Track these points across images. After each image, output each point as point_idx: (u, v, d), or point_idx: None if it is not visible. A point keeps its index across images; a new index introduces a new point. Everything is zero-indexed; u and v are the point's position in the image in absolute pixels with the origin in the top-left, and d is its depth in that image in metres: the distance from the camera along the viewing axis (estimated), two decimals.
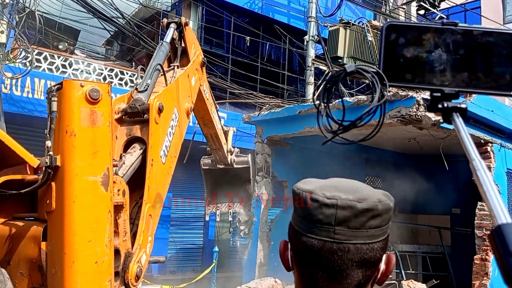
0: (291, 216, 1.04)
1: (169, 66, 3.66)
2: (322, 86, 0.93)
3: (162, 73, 3.17)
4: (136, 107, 2.78)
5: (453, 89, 0.77)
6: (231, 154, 5.37)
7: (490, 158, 6.90)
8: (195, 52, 3.94)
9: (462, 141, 0.70)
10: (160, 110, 2.78)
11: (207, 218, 6.17)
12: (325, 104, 0.93)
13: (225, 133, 5.23)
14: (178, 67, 3.65)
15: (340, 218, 0.92)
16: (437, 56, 0.77)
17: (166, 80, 3.18)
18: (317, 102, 1.03)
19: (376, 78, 0.83)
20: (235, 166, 5.46)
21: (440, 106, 0.76)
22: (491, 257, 6.52)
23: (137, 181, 2.63)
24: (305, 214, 0.96)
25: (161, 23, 3.90)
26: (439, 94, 0.77)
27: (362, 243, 0.93)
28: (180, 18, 3.80)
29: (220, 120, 4.99)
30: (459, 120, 0.74)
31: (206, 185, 5.87)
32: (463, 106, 0.76)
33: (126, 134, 2.78)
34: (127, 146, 2.78)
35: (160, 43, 3.51)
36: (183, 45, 3.81)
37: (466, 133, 0.71)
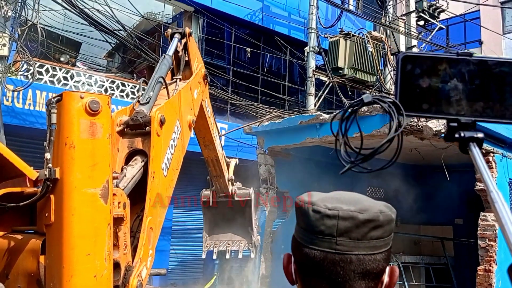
0: (294, 228, 1.04)
1: (172, 79, 3.67)
2: (340, 115, 0.93)
3: (165, 85, 3.17)
4: (138, 119, 2.78)
5: (469, 119, 0.78)
6: (232, 185, 5.21)
7: (492, 168, 6.87)
8: (198, 65, 3.96)
9: (480, 172, 0.70)
10: (161, 122, 2.77)
11: (203, 256, 5.75)
12: (344, 134, 0.94)
13: (227, 164, 5.12)
14: (180, 80, 3.66)
15: (341, 228, 0.93)
16: (452, 86, 0.79)
17: (168, 93, 3.18)
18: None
19: (393, 108, 0.84)
20: (235, 198, 5.27)
21: (457, 135, 0.77)
22: (494, 268, 6.46)
23: (138, 194, 2.62)
24: (307, 226, 0.97)
25: (165, 34, 3.92)
26: (455, 124, 0.78)
27: (364, 254, 0.93)
28: (184, 28, 3.82)
29: (221, 146, 4.91)
30: (476, 150, 0.75)
31: (204, 220, 5.59)
32: (479, 136, 0.77)
33: (128, 146, 2.77)
34: (128, 159, 2.76)
35: (163, 56, 3.52)
36: (186, 57, 3.83)
37: (483, 163, 0.71)
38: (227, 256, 5.60)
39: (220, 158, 4.84)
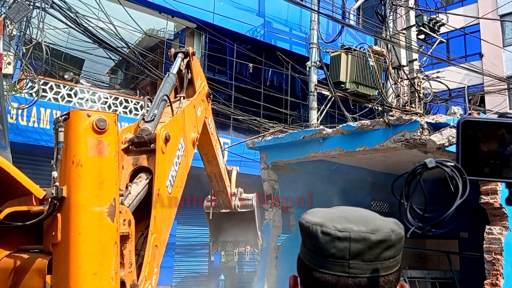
0: (299, 249, 1.00)
1: (175, 97, 3.71)
2: (405, 180, 0.93)
3: (169, 103, 3.20)
4: (143, 136, 2.80)
5: None
6: (235, 197, 5.32)
7: (498, 183, 6.83)
8: (201, 83, 4.00)
9: None
10: (166, 140, 2.79)
11: (212, 258, 6.10)
12: (407, 198, 0.94)
13: (229, 173, 5.20)
14: (184, 98, 3.70)
15: (354, 251, 0.89)
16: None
17: (172, 111, 3.21)
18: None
19: (456, 172, 0.86)
20: (239, 210, 5.41)
21: None
22: (501, 281, 6.39)
23: (143, 211, 2.62)
24: (316, 249, 0.92)
25: (168, 53, 3.98)
26: None
27: (377, 276, 0.90)
28: (187, 48, 3.88)
29: (224, 160, 4.99)
30: None
31: (210, 227, 5.77)
32: None
33: (133, 164, 2.79)
34: (133, 176, 2.77)
35: (167, 75, 3.56)
36: (189, 76, 3.87)
37: None
38: (235, 259, 5.86)
39: (223, 173, 4.89)
